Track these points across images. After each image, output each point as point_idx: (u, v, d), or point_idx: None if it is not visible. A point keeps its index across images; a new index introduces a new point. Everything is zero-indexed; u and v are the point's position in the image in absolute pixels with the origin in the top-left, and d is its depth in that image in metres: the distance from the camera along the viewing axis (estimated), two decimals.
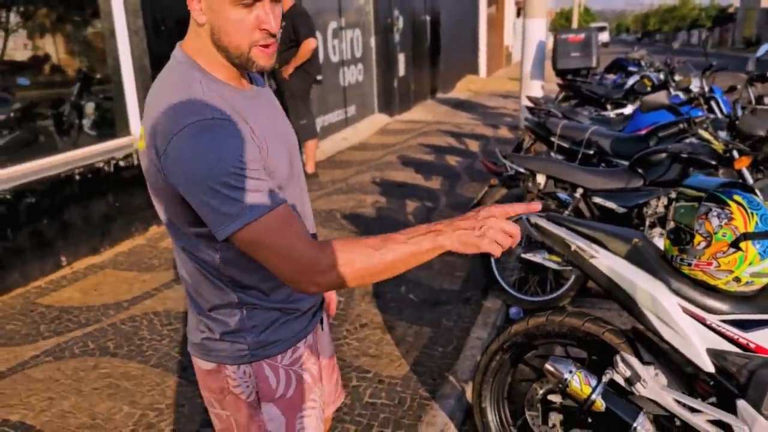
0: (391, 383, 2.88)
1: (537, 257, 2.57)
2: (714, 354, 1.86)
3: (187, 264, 1.31)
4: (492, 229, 1.18)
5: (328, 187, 6.15)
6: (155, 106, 1.18)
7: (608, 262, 1.98)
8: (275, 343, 1.35)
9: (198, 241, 1.25)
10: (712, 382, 1.92)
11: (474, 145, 8.25)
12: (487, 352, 2.28)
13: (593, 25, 38.36)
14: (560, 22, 36.55)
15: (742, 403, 1.83)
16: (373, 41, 9.38)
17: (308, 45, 5.76)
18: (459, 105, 12.18)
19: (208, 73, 1.22)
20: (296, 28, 5.78)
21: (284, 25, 5.90)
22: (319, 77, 6.22)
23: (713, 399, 1.92)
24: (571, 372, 1.98)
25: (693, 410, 1.90)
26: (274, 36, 1.20)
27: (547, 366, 2.03)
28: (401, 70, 10.57)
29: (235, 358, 1.33)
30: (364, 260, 1.16)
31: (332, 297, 1.69)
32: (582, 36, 8.37)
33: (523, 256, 3.18)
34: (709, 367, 1.86)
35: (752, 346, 1.81)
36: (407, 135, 8.93)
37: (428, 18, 12.01)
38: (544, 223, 2.12)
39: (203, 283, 1.30)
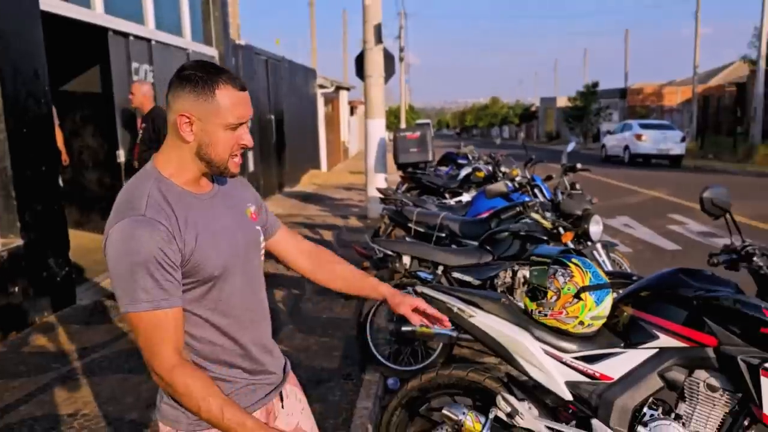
0: None
1: (413, 326, 2.98)
2: (570, 385, 2.35)
3: None
4: None
5: None
6: (117, 200, 1.46)
7: (484, 319, 2.43)
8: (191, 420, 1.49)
9: None
10: (571, 410, 2.40)
11: (327, 235, 8.69)
12: (387, 409, 2.60)
13: (418, 121, 41.64)
14: (390, 119, 39.43)
15: (595, 422, 2.32)
16: None
17: None
18: (307, 198, 12.70)
19: (165, 179, 1.47)
20: (158, 128, 5.95)
21: (144, 126, 6.04)
22: None
23: (574, 422, 2.39)
24: (464, 413, 2.36)
25: None
26: (244, 148, 1.52)
27: (444, 411, 2.39)
28: (251, 167, 10.92)
29: (177, 424, 1.51)
30: (189, 401, 1.39)
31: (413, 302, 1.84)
32: (418, 134, 9.36)
33: (403, 329, 3.58)
34: (568, 396, 2.34)
35: (598, 375, 2.33)
36: None
37: (273, 117, 12.60)
38: (429, 291, 2.55)
39: None
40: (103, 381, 3.89)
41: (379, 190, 6.48)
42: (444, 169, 9.91)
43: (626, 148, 22.02)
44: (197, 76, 1.43)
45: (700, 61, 29.41)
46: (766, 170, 17.29)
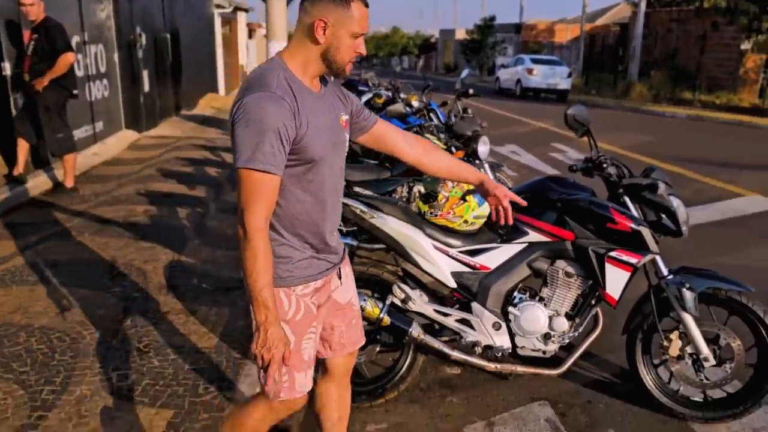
0: (207, 352, 3.31)
1: None
2: (455, 275, 2.75)
3: None
4: (275, 355, 1.69)
5: (92, 200, 6.12)
6: (247, 80, 1.74)
7: (383, 220, 2.77)
8: (290, 277, 1.83)
9: None
10: (455, 296, 2.82)
11: (229, 157, 8.71)
12: None
13: None
14: None
15: (475, 305, 2.76)
16: (116, 57, 9.27)
17: (66, 59, 5.72)
18: (205, 121, 12.46)
19: (290, 72, 1.75)
20: (51, 40, 5.70)
21: (36, 37, 5.76)
22: (75, 91, 6.17)
23: (457, 306, 2.82)
24: (364, 300, 2.71)
25: (446, 315, 2.78)
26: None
27: None
28: (146, 86, 10.54)
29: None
30: (251, 260, 1.65)
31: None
32: None
33: None
34: (452, 284, 2.75)
35: (478, 266, 2.75)
36: (161, 150, 9.03)
37: (169, 36, 12.09)
38: None
39: None
40: (9, 293, 3.93)
41: None
42: None
43: (518, 81, 22.97)
44: None
45: (589, 0, 30.60)
46: (640, 106, 18.74)
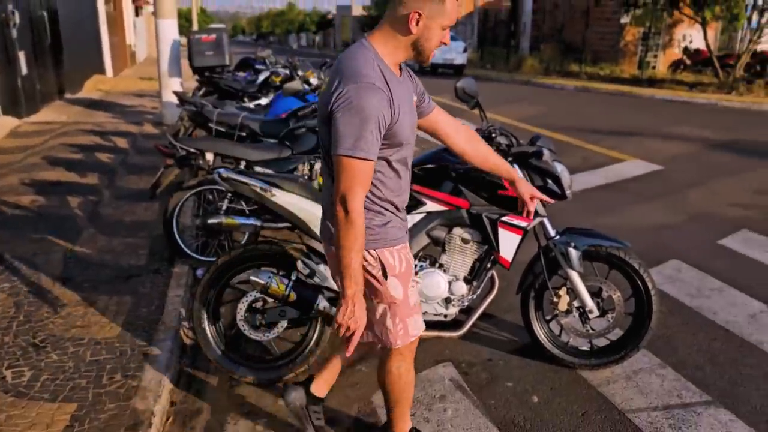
0: (108, 342, 3.21)
1: (218, 218, 3.26)
2: None
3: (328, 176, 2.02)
4: (359, 325, 1.90)
5: None
6: (342, 66, 1.86)
7: (284, 197, 2.78)
8: (394, 239, 2.05)
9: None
10: None
11: (122, 142, 8.33)
12: (201, 284, 2.88)
13: (212, 25, 39.40)
14: (181, 23, 36.80)
15: None
16: None
17: None
18: (93, 105, 11.79)
19: (380, 57, 1.88)
20: None
21: None
22: None
23: None
24: (269, 277, 2.72)
25: None
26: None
27: (251, 277, 2.73)
28: (24, 69, 9.81)
29: (368, 243, 1.98)
30: (350, 239, 1.84)
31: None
32: (214, 36, 9.12)
33: (209, 221, 3.75)
34: None
35: None
36: (45, 136, 8.48)
37: (46, 14, 11.28)
38: (234, 175, 2.82)
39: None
40: None
41: (176, 93, 6.38)
42: (242, 74, 9.83)
43: None
44: None
45: None
46: (531, 79, 19.53)
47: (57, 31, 11.97)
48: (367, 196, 1.94)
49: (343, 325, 1.88)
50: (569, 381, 3.01)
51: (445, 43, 1.93)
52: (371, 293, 2.10)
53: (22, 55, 9.78)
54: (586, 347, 3.13)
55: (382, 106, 1.80)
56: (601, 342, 3.11)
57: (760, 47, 17.39)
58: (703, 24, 16.57)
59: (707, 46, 17.30)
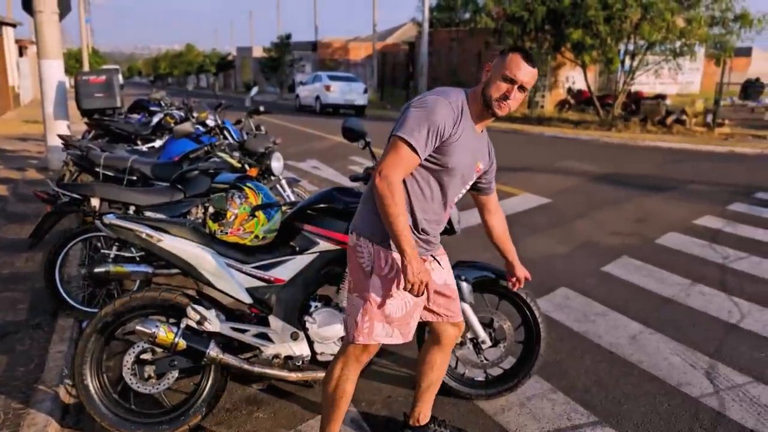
0: None
1: (106, 267, 3.11)
2: (251, 290, 2.77)
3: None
4: (424, 279, 2.11)
5: None
6: (435, 89, 2.29)
7: (172, 242, 2.70)
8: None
9: None
10: (253, 312, 2.84)
11: (1, 189, 7.81)
12: (83, 337, 2.72)
13: (105, 66, 38.24)
14: (70, 63, 35.27)
15: (272, 318, 2.80)
16: None
17: None
18: None
19: (468, 102, 2.28)
20: None
21: None
22: None
23: (256, 321, 2.84)
24: (156, 326, 2.61)
25: (243, 331, 2.78)
26: (507, 99, 2.21)
27: (138, 327, 2.61)
28: None
29: (366, 232, 2.27)
30: (393, 206, 2.09)
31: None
32: (104, 77, 8.82)
33: (96, 270, 3.55)
34: (248, 299, 2.76)
35: (272, 279, 2.79)
36: None
37: None
38: (118, 221, 2.70)
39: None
40: None
41: (61, 137, 6.08)
42: (136, 116, 9.53)
43: (317, 98, 23.50)
44: (509, 48, 2.24)
45: (378, 20, 32.36)
46: None
47: None
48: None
49: (414, 283, 2.09)
50: (467, 412, 3.06)
51: (507, 96, 2.20)
52: (353, 283, 2.33)
53: None
54: (481, 377, 3.20)
55: (448, 118, 2.16)
56: (496, 371, 3.20)
57: (634, 88, 18.97)
58: (583, 67, 17.88)
59: (588, 87, 18.65)
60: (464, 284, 2.97)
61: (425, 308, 2.53)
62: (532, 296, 3.08)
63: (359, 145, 3.08)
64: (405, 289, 2.12)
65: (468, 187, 2.45)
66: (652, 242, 6.05)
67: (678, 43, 16.66)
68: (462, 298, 2.97)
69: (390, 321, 2.30)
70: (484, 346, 3.07)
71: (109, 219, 2.71)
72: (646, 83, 21.36)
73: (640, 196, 8.24)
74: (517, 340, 3.14)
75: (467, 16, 28.01)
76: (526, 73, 2.19)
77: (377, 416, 3.03)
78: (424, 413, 2.77)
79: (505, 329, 3.09)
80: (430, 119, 2.13)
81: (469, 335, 3.07)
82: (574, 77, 22.46)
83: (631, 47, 17.37)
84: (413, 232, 2.27)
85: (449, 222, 2.96)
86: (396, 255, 2.23)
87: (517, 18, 17.32)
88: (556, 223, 6.80)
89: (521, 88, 2.21)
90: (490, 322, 3.11)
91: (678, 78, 23.31)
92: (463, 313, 3.02)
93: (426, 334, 2.95)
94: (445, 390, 3.15)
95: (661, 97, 17.96)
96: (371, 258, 2.27)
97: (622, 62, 17.52)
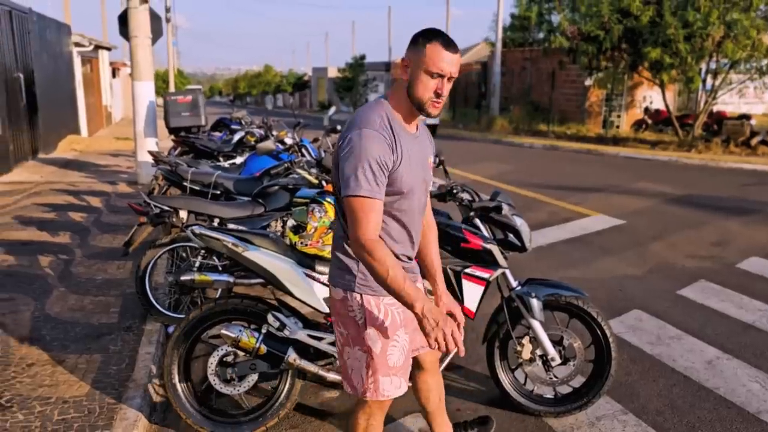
0: (77, 401, 3.21)
1: (191, 275, 3.33)
2: (327, 300, 2.90)
3: (339, 218, 2.12)
4: (445, 329, 1.86)
5: None
6: (354, 117, 2.02)
7: (256, 252, 2.88)
8: (378, 288, 2.04)
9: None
10: (328, 321, 2.97)
11: (96, 201, 8.37)
12: (172, 338, 2.92)
13: (188, 87, 40.13)
14: (158, 84, 37.25)
15: None
16: None
17: None
18: (67, 165, 11.84)
19: (392, 111, 2.03)
20: None
21: None
22: None
23: (331, 330, 2.97)
24: (240, 331, 2.79)
25: (320, 339, 2.92)
26: (440, 97, 1.98)
27: (223, 331, 2.80)
28: None
29: (351, 287, 2.09)
30: (381, 268, 1.89)
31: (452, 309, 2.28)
32: (190, 97, 9.34)
33: (182, 278, 3.80)
34: (325, 309, 2.90)
35: None
36: (17, 196, 8.49)
37: (22, 76, 11.45)
38: (206, 231, 2.91)
39: (342, 233, 2.09)
40: None
41: (151, 152, 6.49)
42: (218, 134, 10.03)
43: None
44: (424, 33, 1.99)
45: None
46: (501, 138, 20.11)
47: (33, 92, 12.12)
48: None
49: (436, 338, 1.87)
50: (534, 428, 3.08)
51: (438, 93, 1.98)
52: (350, 337, 2.15)
53: None
54: (550, 395, 3.21)
55: (384, 149, 1.93)
56: (565, 389, 3.20)
57: (716, 107, 18.25)
58: (662, 86, 17.38)
59: (666, 106, 18.08)
60: (534, 301, 3.01)
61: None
62: (603, 315, 3.08)
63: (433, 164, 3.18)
64: (431, 346, 1.89)
65: (430, 185, 2.26)
66: (731, 266, 5.84)
67: (765, 62, 15.95)
68: (532, 315, 3.01)
69: (395, 372, 2.16)
70: (553, 364, 3.08)
71: (199, 230, 2.92)
72: (730, 103, 20.52)
73: (719, 218, 7.95)
74: (587, 359, 3.14)
75: (541, 35, 27.89)
76: (452, 62, 1.95)
77: None
78: (445, 430, 2.70)
79: (575, 347, 3.10)
80: (368, 159, 1.90)
81: (538, 352, 3.10)
82: (652, 97, 21.84)
83: (713, 66, 16.77)
84: (402, 264, 2.12)
85: (519, 238, 3.02)
86: (387, 300, 2.09)
87: (592, 37, 17.07)
88: (629, 245, 6.66)
89: (449, 78, 1.98)
90: (560, 340, 3.12)
91: (765, 97, 22.28)
92: (533, 330, 3.06)
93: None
94: (512, 406, 3.19)
95: (746, 117, 17.17)
96: (361, 310, 2.11)
97: (704, 81, 16.92)
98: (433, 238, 2.42)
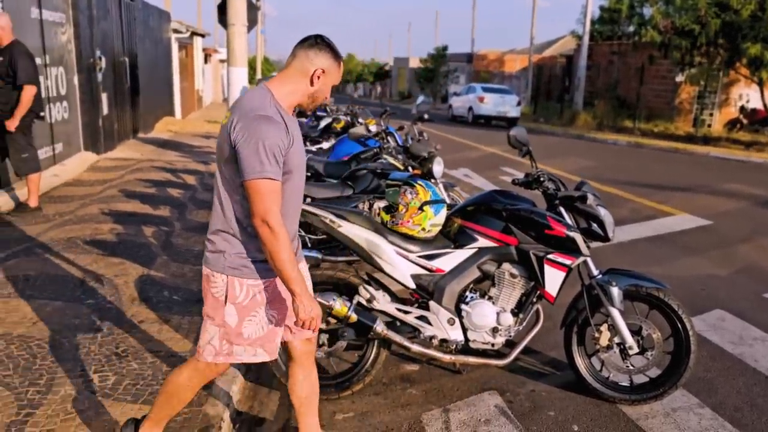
0: (183, 355, 3.54)
1: None
2: (414, 277, 3.10)
3: (224, 198, 2.18)
4: (312, 313, 2.14)
5: (56, 219, 6.24)
6: (243, 104, 2.11)
7: (350, 228, 3.10)
8: (246, 269, 2.19)
9: (237, 188, 2.12)
10: (414, 297, 3.17)
11: (191, 179, 8.91)
12: None
13: (274, 73, 41.24)
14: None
15: (432, 303, 3.11)
16: (76, 79, 9.39)
17: (28, 94, 5.86)
18: (164, 144, 12.58)
19: (275, 99, 2.14)
20: (14, 66, 5.85)
21: (1, 60, 5.91)
22: (42, 113, 6.31)
23: (416, 305, 3.17)
24: (333, 299, 3.02)
25: (406, 312, 3.11)
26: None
27: (318, 299, 3.03)
28: (105, 109, 10.65)
29: (220, 268, 2.19)
30: (281, 250, 2.05)
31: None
32: None
33: None
34: (412, 285, 3.09)
35: (434, 268, 3.10)
36: (121, 171, 9.15)
37: (127, 60, 12.24)
38: (306, 207, 3.15)
39: (226, 211, 2.18)
40: None
41: None
42: (304, 120, 10.40)
43: (470, 109, 23.78)
44: (333, 47, 2.21)
45: (536, 32, 32.01)
46: (584, 133, 19.69)
47: (136, 76, 12.93)
48: (242, 220, 2.16)
49: (307, 320, 2.13)
50: (609, 414, 3.17)
51: (326, 98, 2.27)
52: (209, 311, 2.27)
53: (104, 97, 10.64)
54: (626, 383, 3.29)
55: (279, 133, 2.04)
56: (641, 379, 3.26)
57: None
58: (761, 84, 16.53)
59: (765, 105, 17.18)
60: (615, 290, 3.09)
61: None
62: (684, 308, 3.12)
63: (519, 153, 3.30)
64: (297, 325, 2.16)
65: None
66: None
67: None
68: (612, 303, 3.09)
69: (251, 343, 2.27)
70: (630, 352, 3.15)
71: (303, 206, 3.17)
72: None
73: None
74: (665, 350, 3.19)
75: (631, 29, 26.95)
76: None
77: (522, 405, 3.23)
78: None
79: (654, 338, 3.16)
80: (266, 145, 2.01)
81: (616, 340, 3.18)
82: (749, 95, 20.76)
83: None
84: None
85: (602, 228, 3.10)
86: (251, 282, 2.21)
87: (686, 31, 16.43)
88: (715, 245, 6.50)
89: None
90: (639, 330, 3.19)
91: None
92: (612, 318, 3.14)
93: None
94: (587, 390, 3.28)
95: None
96: (225, 288, 2.21)
97: None
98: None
